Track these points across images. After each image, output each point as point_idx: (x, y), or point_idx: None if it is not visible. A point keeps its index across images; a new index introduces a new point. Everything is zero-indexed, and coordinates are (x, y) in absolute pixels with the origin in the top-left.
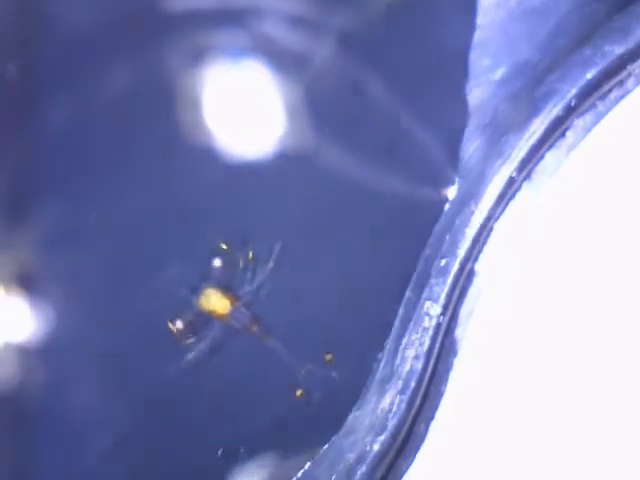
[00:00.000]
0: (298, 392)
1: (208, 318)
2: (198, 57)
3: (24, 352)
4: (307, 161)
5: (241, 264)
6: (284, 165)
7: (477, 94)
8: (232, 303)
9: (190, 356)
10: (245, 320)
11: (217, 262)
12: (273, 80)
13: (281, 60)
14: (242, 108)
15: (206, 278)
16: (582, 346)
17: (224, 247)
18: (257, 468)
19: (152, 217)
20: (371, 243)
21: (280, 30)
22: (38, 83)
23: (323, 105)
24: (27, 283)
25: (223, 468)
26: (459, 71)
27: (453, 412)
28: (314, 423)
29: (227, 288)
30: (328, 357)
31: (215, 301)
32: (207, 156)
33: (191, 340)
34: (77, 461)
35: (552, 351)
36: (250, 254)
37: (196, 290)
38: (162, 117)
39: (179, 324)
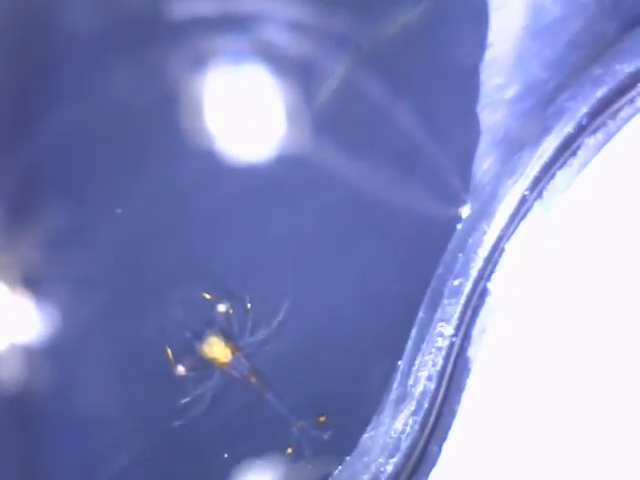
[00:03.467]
0: (289, 449)
1: (208, 363)
2: (204, 62)
3: (31, 354)
4: (314, 182)
5: (244, 313)
6: (292, 184)
7: (489, 113)
8: (233, 353)
9: (187, 399)
10: (244, 370)
11: (221, 307)
12: (282, 91)
13: (293, 71)
14: (251, 120)
15: (209, 324)
16: (596, 364)
17: (221, 296)
18: None
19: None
20: (382, 267)
21: (295, 40)
22: (41, 87)
23: (337, 121)
24: (33, 285)
25: None
26: (471, 90)
27: (466, 432)
28: (327, 445)
29: (229, 336)
30: (322, 419)
31: (217, 350)
32: (216, 171)
33: (190, 383)
34: (84, 463)
35: (566, 370)
36: (249, 305)
37: (199, 335)
38: (166, 124)
39: (180, 368)
